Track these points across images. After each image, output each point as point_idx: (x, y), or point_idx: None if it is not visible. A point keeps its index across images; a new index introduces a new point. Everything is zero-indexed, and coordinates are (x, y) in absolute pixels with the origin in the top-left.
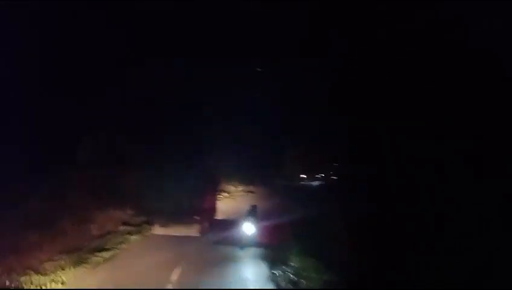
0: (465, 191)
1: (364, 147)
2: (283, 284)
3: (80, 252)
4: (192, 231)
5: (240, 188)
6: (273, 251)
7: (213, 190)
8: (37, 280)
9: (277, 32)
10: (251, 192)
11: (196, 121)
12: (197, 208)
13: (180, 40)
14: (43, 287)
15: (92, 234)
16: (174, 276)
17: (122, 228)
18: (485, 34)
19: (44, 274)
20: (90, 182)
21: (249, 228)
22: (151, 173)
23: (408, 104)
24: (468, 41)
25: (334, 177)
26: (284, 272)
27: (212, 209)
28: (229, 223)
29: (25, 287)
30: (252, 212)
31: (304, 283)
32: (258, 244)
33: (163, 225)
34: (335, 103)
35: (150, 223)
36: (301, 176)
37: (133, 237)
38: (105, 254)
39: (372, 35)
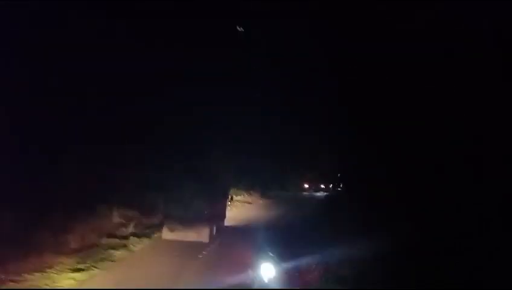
0: (465, 191)
1: (365, 148)
2: None
3: (51, 271)
4: (201, 236)
5: (242, 196)
6: None
7: (221, 196)
8: None
9: (276, 33)
10: (248, 203)
11: (203, 126)
12: (205, 214)
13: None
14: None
15: (70, 247)
16: None
17: (105, 240)
18: (485, 34)
19: None
20: (78, 182)
21: (268, 270)
22: (156, 176)
23: (408, 105)
24: (468, 41)
25: (339, 189)
26: None
27: (221, 216)
28: (237, 231)
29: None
30: (270, 246)
31: None
32: None
33: (172, 229)
34: (335, 107)
35: (138, 235)
36: (304, 186)
37: (118, 253)
38: (80, 276)
39: (372, 35)
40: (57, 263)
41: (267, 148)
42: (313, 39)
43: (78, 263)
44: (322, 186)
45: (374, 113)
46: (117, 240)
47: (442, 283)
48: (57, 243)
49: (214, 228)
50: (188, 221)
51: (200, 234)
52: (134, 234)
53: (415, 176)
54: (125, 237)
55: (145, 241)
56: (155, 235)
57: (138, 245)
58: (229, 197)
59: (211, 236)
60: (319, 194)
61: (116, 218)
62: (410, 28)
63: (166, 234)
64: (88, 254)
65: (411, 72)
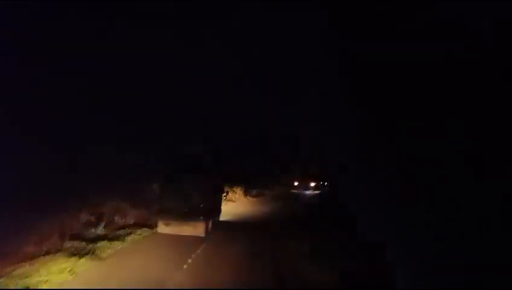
0: (465, 191)
1: (363, 147)
2: None
3: None
4: (197, 230)
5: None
6: None
7: (217, 191)
8: None
9: (276, 33)
10: (231, 201)
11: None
12: (201, 208)
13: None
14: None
15: (24, 253)
16: None
17: (69, 244)
18: (485, 34)
19: None
20: (39, 173)
21: None
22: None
23: (407, 105)
24: (468, 41)
25: (327, 187)
26: None
27: (216, 210)
28: (232, 226)
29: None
30: None
31: None
32: None
33: (168, 223)
34: (333, 105)
35: (110, 238)
36: (294, 183)
37: (82, 261)
38: None
39: (372, 35)
40: (2, 275)
41: (252, 141)
42: (313, 39)
43: (29, 276)
44: (312, 184)
45: (373, 113)
46: (83, 244)
47: (442, 282)
48: (8, 248)
49: (210, 222)
50: (182, 215)
51: (195, 229)
52: (104, 237)
53: (415, 176)
54: (93, 240)
55: (117, 245)
56: (130, 237)
57: (108, 251)
58: (225, 192)
59: (206, 230)
60: (309, 192)
61: (84, 216)
62: (410, 28)
63: (162, 229)
64: (45, 262)
65: (411, 71)
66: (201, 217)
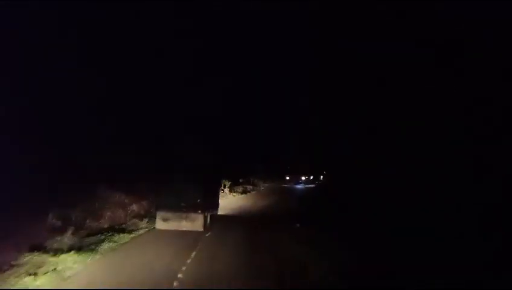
0: (465, 191)
1: (363, 146)
2: None
3: None
4: (195, 225)
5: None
6: None
7: (215, 184)
8: None
9: (276, 33)
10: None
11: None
12: (199, 202)
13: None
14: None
15: None
16: None
17: (27, 258)
18: (485, 34)
19: None
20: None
21: None
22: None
23: (407, 104)
24: (468, 41)
25: (320, 181)
26: None
27: (214, 204)
28: (230, 220)
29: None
30: None
31: None
32: None
33: (165, 218)
34: (330, 103)
35: (78, 248)
36: (286, 178)
37: (41, 282)
38: None
39: (372, 34)
40: None
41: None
42: (312, 39)
43: None
44: (303, 178)
45: (373, 112)
46: (44, 257)
47: (442, 283)
48: None
49: (208, 217)
50: (180, 210)
51: (194, 223)
52: (71, 247)
53: (415, 176)
54: (58, 252)
55: (86, 258)
56: (103, 246)
57: (75, 265)
58: (222, 185)
59: (205, 225)
60: (300, 186)
61: (51, 220)
62: (410, 28)
63: (160, 224)
64: None
65: (411, 71)
66: (200, 211)
